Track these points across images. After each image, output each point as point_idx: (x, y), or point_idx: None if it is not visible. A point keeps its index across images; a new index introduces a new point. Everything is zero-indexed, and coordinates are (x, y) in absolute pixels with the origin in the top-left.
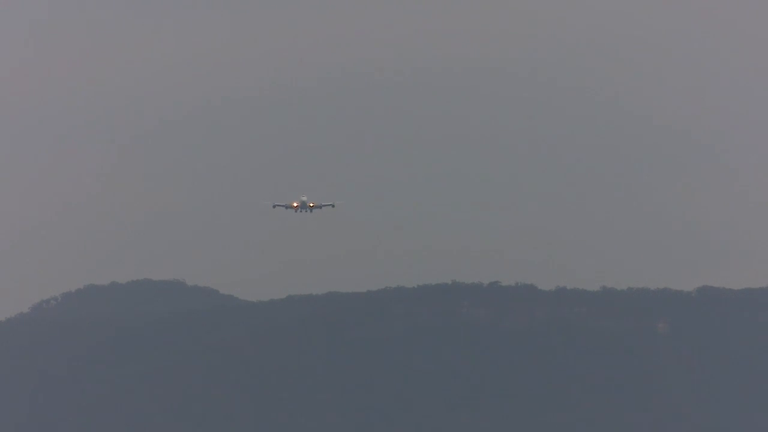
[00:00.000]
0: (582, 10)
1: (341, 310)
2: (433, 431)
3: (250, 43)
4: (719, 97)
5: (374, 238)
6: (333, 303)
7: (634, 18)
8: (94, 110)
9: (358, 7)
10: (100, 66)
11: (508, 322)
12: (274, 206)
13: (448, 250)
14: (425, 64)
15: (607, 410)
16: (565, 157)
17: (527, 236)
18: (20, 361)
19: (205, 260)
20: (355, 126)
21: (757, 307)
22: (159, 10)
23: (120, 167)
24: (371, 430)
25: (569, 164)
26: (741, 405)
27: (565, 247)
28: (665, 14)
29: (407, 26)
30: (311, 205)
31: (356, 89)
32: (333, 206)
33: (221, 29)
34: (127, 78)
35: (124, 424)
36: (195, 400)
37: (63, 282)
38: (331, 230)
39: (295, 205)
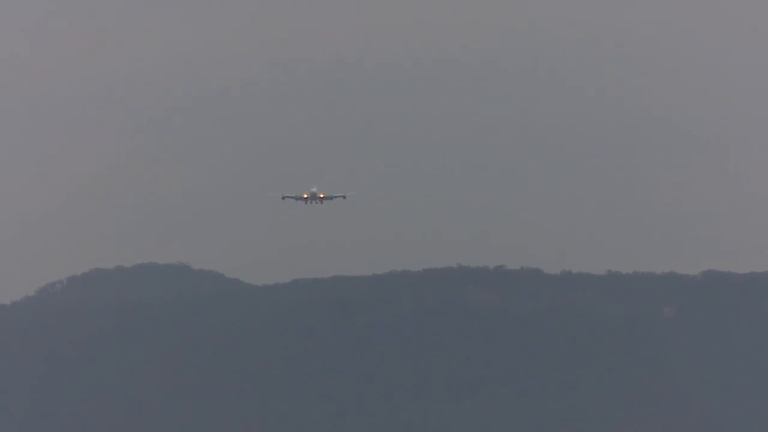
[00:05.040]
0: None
1: (347, 294)
2: (438, 413)
3: (266, 35)
4: (723, 88)
5: (381, 223)
6: (338, 286)
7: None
8: (102, 96)
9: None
10: (112, 50)
11: (513, 305)
12: (283, 198)
13: (454, 234)
14: (428, 58)
15: (612, 393)
16: (572, 145)
17: (533, 221)
18: (26, 343)
19: (210, 244)
20: (364, 118)
21: (762, 290)
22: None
23: (127, 152)
24: (376, 411)
25: (576, 152)
26: (745, 388)
27: (571, 231)
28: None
29: (412, 21)
30: (321, 196)
31: (364, 83)
32: (344, 197)
33: (238, 19)
34: (139, 63)
35: (129, 406)
36: (200, 382)
37: (69, 266)
38: (337, 216)
39: (305, 196)
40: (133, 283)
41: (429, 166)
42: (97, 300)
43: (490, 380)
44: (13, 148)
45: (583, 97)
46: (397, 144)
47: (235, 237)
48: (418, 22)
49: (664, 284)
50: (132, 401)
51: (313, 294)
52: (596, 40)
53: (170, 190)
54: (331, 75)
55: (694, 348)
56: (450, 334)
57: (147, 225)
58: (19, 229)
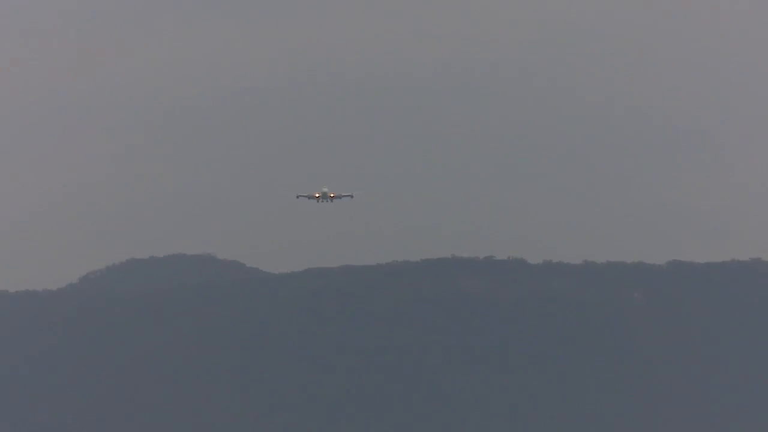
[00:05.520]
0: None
1: (354, 281)
2: (434, 387)
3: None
4: (691, 82)
5: (383, 219)
6: (346, 275)
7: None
8: (136, 96)
9: (376, 8)
10: (140, 48)
11: (500, 292)
12: (297, 197)
13: (448, 228)
14: (417, 63)
15: (589, 370)
16: (551, 148)
17: (519, 216)
18: (70, 326)
19: (233, 237)
20: (368, 123)
21: (718, 278)
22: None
23: (164, 156)
24: (379, 382)
25: (555, 155)
26: (707, 364)
27: (552, 225)
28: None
29: (407, 29)
30: (332, 195)
31: (361, 91)
32: (352, 197)
33: (257, 25)
34: (171, 62)
35: (162, 383)
36: (225, 360)
37: (108, 256)
38: (345, 212)
39: (317, 195)
40: (164, 272)
41: (426, 168)
42: (132, 287)
43: (480, 358)
44: (54, 148)
45: (559, 95)
46: (398, 148)
47: (256, 230)
48: (417, 28)
49: (634, 272)
50: (164, 377)
51: (323, 281)
52: (569, 37)
53: (198, 189)
54: (337, 87)
55: (661, 329)
56: (444, 317)
57: (177, 219)
58: (65, 221)
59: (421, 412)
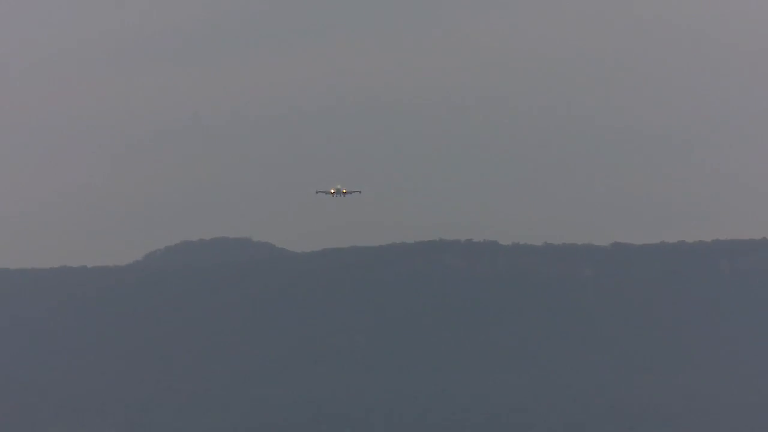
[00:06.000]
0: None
1: (361, 259)
2: (424, 341)
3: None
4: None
5: (384, 209)
6: (355, 254)
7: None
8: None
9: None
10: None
11: (478, 267)
12: (316, 192)
13: (437, 216)
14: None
15: (548, 331)
16: (513, 143)
17: (492, 206)
18: (136, 295)
19: (266, 223)
20: (373, 134)
21: (652, 257)
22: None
23: (207, 157)
24: (381, 344)
25: (523, 157)
26: (643, 326)
27: (520, 213)
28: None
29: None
30: (344, 191)
31: (368, 108)
32: (360, 192)
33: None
34: (232, 81)
35: (212, 343)
36: (262, 325)
37: (165, 238)
38: (354, 204)
39: (332, 191)
40: (210, 252)
41: (419, 169)
42: (185, 263)
43: (461, 323)
44: (111, 147)
45: (523, 90)
46: (396, 155)
47: (283, 219)
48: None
49: (584, 252)
50: (213, 340)
51: (336, 259)
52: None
53: (239, 185)
54: (348, 107)
55: (606, 298)
56: (433, 287)
57: (221, 209)
58: (133, 208)
59: (415, 360)
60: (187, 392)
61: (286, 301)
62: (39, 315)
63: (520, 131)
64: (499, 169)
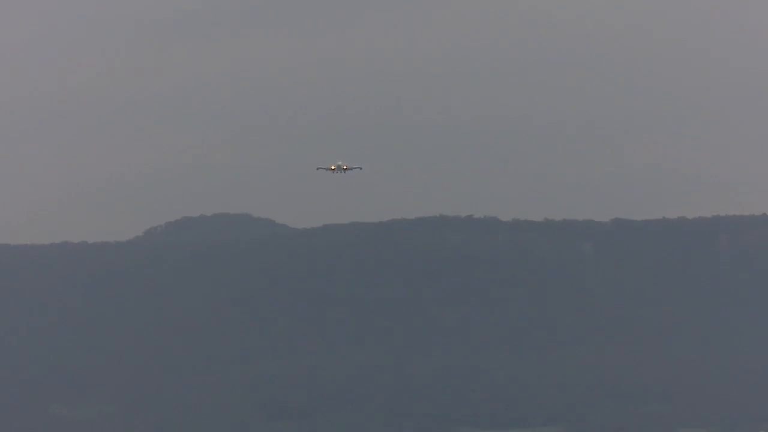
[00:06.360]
0: None
1: (361, 234)
2: (425, 314)
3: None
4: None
5: (385, 186)
6: (356, 230)
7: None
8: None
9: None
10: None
11: (478, 243)
12: (317, 169)
13: (437, 193)
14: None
15: (549, 304)
16: (514, 119)
17: (493, 183)
18: (136, 270)
19: (266, 199)
20: (375, 111)
21: (652, 233)
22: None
23: (210, 136)
24: (381, 313)
25: (525, 138)
26: (642, 299)
27: (519, 190)
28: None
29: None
30: (345, 168)
31: (369, 85)
32: (361, 168)
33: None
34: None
35: (213, 318)
36: (263, 300)
37: (167, 214)
38: (355, 180)
39: (333, 167)
40: (211, 228)
41: (420, 146)
42: (185, 240)
43: (461, 294)
44: (122, 125)
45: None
46: (397, 132)
47: (284, 195)
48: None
49: (585, 228)
50: (213, 312)
51: (337, 234)
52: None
53: (240, 162)
54: (349, 85)
55: (606, 273)
56: (433, 263)
57: (221, 185)
58: (135, 183)
59: (416, 335)
60: (186, 367)
61: (287, 276)
62: (40, 291)
63: (521, 107)
64: (498, 145)
